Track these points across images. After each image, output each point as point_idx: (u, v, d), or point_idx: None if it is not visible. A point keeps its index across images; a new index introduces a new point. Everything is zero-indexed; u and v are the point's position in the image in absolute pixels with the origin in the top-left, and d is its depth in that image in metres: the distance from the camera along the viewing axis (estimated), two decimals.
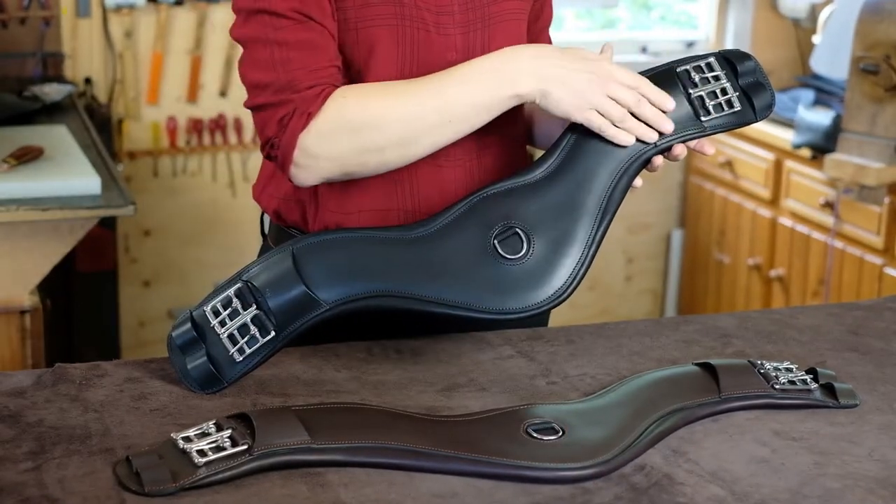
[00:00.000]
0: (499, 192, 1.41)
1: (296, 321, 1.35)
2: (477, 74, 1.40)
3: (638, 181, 1.44)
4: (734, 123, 1.44)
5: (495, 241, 1.38)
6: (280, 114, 1.40)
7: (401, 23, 1.46)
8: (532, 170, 1.42)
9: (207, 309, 1.35)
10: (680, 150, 1.43)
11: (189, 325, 1.35)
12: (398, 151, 1.42)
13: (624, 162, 1.41)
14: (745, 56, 1.47)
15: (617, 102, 1.39)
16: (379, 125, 1.39)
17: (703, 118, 1.43)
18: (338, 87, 1.42)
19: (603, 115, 1.39)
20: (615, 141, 1.40)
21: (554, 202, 1.40)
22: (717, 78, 1.45)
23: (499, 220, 1.39)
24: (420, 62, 1.47)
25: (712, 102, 1.43)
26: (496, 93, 1.40)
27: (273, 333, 1.34)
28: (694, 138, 1.43)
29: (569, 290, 1.38)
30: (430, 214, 1.45)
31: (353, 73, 1.47)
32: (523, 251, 1.38)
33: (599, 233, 1.40)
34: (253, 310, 1.34)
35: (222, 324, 1.35)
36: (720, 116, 1.44)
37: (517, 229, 1.39)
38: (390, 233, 1.38)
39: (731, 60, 1.46)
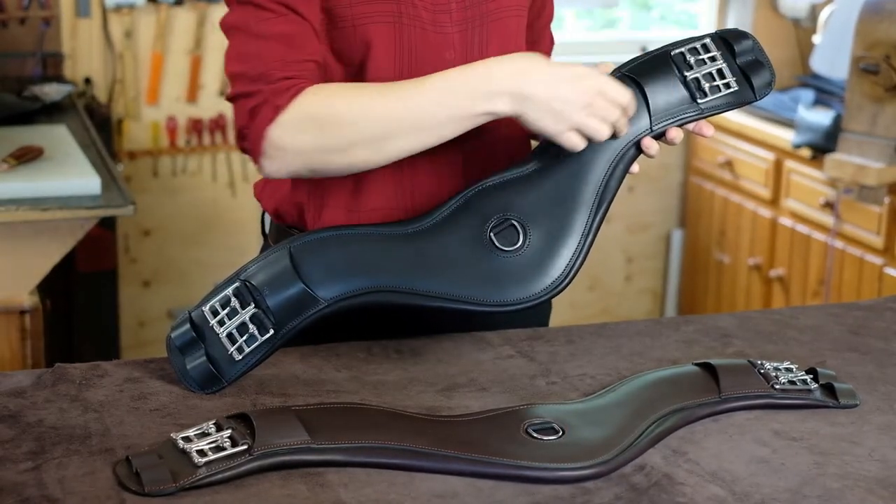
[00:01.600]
0: (494, 185, 1.41)
1: (294, 319, 1.35)
2: (454, 86, 1.37)
3: (635, 167, 1.43)
4: (733, 104, 1.44)
5: (491, 234, 1.38)
6: (251, 104, 1.39)
7: (398, 20, 1.46)
8: (527, 161, 1.42)
9: (206, 309, 1.35)
10: (675, 133, 1.42)
11: (188, 325, 1.36)
12: (364, 153, 1.39)
13: (619, 150, 1.41)
14: (742, 35, 1.46)
15: (601, 119, 1.36)
16: (345, 124, 1.37)
17: (699, 100, 1.42)
18: (313, 82, 1.41)
19: (584, 134, 1.36)
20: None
21: (549, 193, 1.40)
22: (713, 59, 1.44)
23: (495, 212, 1.39)
24: (417, 60, 1.47)
25: (708, 84, 1.42)
26: (470, 108, 1.37)
27: (272, 332, 1.35)
28: (691, 121, 1.43)
29: (566, 280, 1.38)
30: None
31: (352, 71, 1.47)
32: (519, 243, 1.38)
33: (596, 222, 1.40)
34: (251, 308, 1.34)
35: (221, 323, 1.35)
36: (717, 97, 1.43)
37: (513, 221, 1.39)
38: (387, 229, 1.39)
39: (727, 40, 1.45)
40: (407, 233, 1.38)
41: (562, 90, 1.34)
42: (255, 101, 1.38)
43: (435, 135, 1.39)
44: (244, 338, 1.34)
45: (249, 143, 1.40)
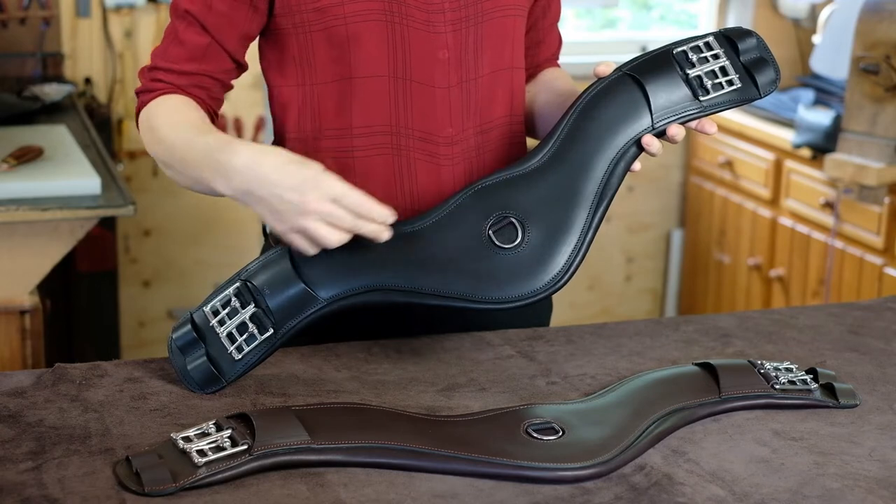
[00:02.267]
0: (494, 184, 1.41)
1: (294, 318, 1.35)
2: (205, 154, 1.38)
3: (637, 165, 1.43)
4: (736, 101, 1.43)
5: (490, 232, 1.39)
6: (138, 88, 1.52)
7: (389, 19, 1.46)
8: (528, 159, 1.42)
9: (207, 309, 1.36)
10: (676, 130, 1.42)
11: (189, 326, 1.36)
12: (168, 171, 1.47)
13: (620, 149, 1.41)
14: (746, 33, 1.46)
15: (331, 223, 1.31)
16: (156, 139, 1.46)
17: (701, 97, 1.42)
18: (189, 94, 1.49)
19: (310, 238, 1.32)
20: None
21: (549, 191, 1.40)
22: (716, 56, 1.44)
23: (494, 210, 1.40)
24: (411, 60, 1.47)
25: (711, 82, 1.42)
26: (208, 181, 1.38)
27: (271, 331, 1.35)
28: (693, 118, 1.42)
29: (566, 277, 1.38)
30: None
31: (346, 70, 1.47)
32: (518, 240, 1.38)
33: (596, 219, 1.40)
34: (251, 308, 1.35)
35: (221, 323, 1.35)
36: (720, 95, 1.42)
37: (512, 219, 1.39)
38: None
39: (731, 38, 1.45)
40: (406, 232, 1.39)
41: (284, 193, 1.31)
42: (140, 87, 1.51)
43: (201, 187, 1.42)
44: (244, 337, 1.35)
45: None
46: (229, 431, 1.18)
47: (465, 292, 1.37)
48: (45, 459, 1.17)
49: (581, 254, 1.39)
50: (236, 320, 1.35)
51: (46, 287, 2.35)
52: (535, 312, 1.63)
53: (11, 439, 1.21)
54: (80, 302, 3.19)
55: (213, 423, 1.20)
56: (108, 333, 3.26)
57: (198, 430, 1.19)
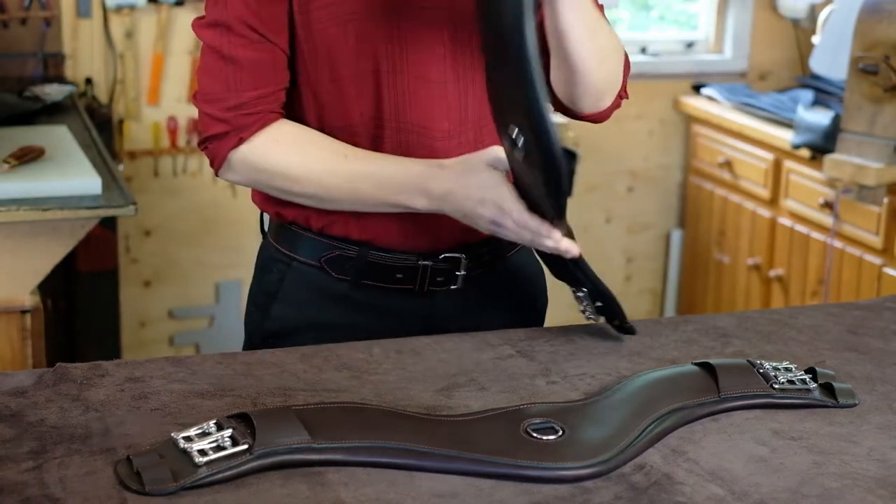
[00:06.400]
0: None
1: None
2: (390, 179, 1.46)
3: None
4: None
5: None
6: (219, 129, 1.49)
7: (387, 15, 1.46)
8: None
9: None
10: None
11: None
12: (307, 202, 1.52)
13: None
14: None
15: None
16: (291, 178, 1.49)
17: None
18: (279, 112, 1.49)
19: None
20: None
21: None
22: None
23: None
24: (408, 56, 1.48)
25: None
26: (397, 200, 1.47)
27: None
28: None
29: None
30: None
31: (341, 68, 1.48)
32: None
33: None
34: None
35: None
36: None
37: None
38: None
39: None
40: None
41: (483, 213, 1.43)
42: (224, 127, 1.47)
43: (369, 209, 1.50)
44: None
45: (210, 155, 1.51)
46: (230, 431, 1.18)
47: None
48: (46, 459, 1.17)
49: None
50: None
51: (47, 287, 2.36)
52: (532, 309, 1.64)
53: (12, 439, 1.21)
54: (81, 302, 3.20)
55: (214, 423, 1.20)
56: (108, 333, 3.26)
57: (198, 429, 1.19)
